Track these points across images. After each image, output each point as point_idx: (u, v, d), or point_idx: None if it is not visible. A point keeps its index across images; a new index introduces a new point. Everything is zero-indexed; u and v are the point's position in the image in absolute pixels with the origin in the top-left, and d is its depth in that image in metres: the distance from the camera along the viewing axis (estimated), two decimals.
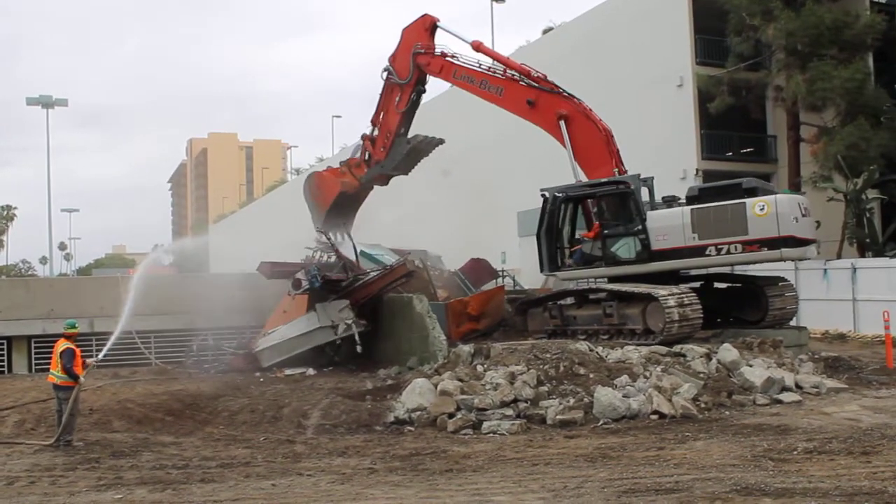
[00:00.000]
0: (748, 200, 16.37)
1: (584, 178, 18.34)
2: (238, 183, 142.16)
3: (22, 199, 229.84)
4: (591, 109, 18.63)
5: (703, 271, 18.54)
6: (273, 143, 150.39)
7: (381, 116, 21.65)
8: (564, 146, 18.52)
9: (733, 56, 30.68)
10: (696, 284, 18.20)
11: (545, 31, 48.41)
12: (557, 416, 12.27)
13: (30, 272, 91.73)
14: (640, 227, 17.20)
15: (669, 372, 13.83)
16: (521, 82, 19.34)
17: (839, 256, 26.26)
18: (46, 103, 58.79)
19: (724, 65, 31.07)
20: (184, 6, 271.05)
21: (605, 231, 17.81)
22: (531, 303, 19.32)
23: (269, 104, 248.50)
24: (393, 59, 21.33)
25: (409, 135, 21.53)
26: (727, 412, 12.69)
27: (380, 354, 18.65)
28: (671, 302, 15.83)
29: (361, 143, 22.57)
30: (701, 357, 14.57)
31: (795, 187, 27.72)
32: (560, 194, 18.19)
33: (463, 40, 20.39)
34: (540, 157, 23.94)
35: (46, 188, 61.56)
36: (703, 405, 12.83)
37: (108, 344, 15.30)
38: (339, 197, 21.99)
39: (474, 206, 25.09)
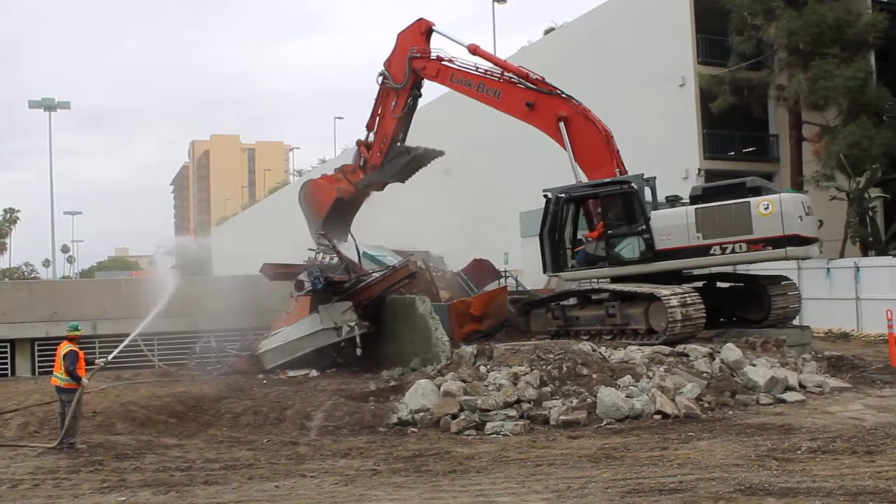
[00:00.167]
0: (752, 199, 16.36)
1: (584, 180, 18.33)
2: (240, 185, 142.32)
3: (25, 201, 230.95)
4: (589, 110, 18.61)
5: (706, 271, 18.52)
6: (275, 145, 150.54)
7: (376, 121, 21.59)
8: (564, 148, 18.52)
9: (735, 55, 30.66)
10: (699, 284, 18.19)
11: (547, 32, 48.44)
12: (561, 417, 12.26)
13: (33, 275, 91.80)
14: (643, 226, 17.18)
15: (672, 372, 13.81)
16: (519, 85, 19.32)
17: (842, 255, 26.22)
18: (49, 106, 58.83)
19: (725, 64, 31.06)
20: (183, 6, 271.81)
21: (609, 231, 17.79)
22: (534, 303, 19.31)
23: (269, 104, 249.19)
24: (388, 63, 21.28)
25: (409, 141, 21.49)
26: (730, 412, 12.66)
27: (383, 356, 18.65)
28: (674, 302, 15.82)
29: (356, 148, 22.55)
30: (704, 357, 14.56)
31: (798, 186, 27.72)
32: (563, 195, 18.17)
33: (459, 44, 20.39)
34: (542, 157, 23.93)
35: (49, 191, 61.82)
36: (706, 405, 12.81)
37: (122, 345, 15.31)
38: (335, 203, 21.95)
39: (477, 207, 25.09)
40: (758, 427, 11.41)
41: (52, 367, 12.27)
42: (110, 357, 14.29)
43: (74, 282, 54.32)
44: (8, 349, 20.86)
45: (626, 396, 12.72)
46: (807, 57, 28.06)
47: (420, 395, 13.37)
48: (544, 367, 13.65)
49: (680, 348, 15.04)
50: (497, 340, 18.19)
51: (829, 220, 25.27)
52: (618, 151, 18.32)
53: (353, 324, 18.32)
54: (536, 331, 18.75)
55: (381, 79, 21.37)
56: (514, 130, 24.89)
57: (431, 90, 21.86)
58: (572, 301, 18.39)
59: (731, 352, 14.61)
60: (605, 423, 12.14)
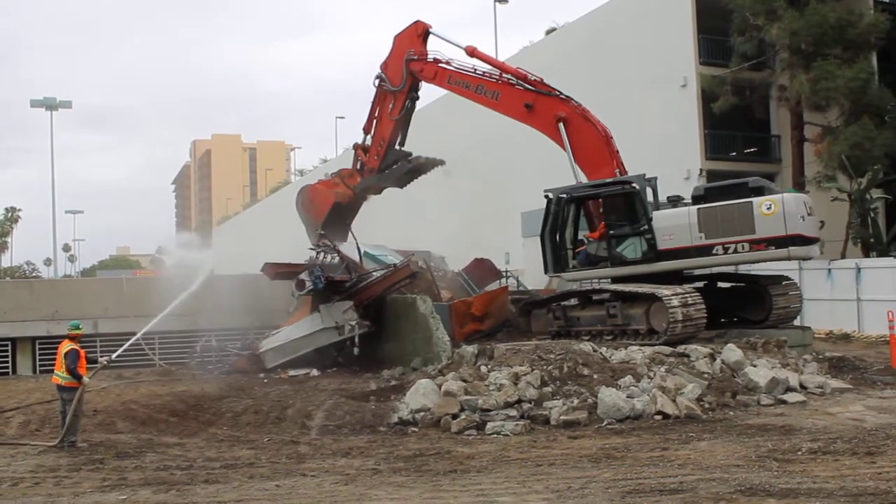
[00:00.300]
0: (755, 199, 16.35)
1: (584, 180, 18.31)
2: (242, 184, 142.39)
3: (26, 200, 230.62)
4: (588, 111, 18.58)
5: (707, 271, 18.51)
6: (276, 145, 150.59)
7: (373, 124, 21.50)
8: (564, 149, 18.49)
9: (737, 56, 30.68)
10: (700, 284, 18.18)
11: (548, 32, 48.43)
12: (561, 417, 12.26)
13: (34, 274, 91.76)
14: (646, 226, 17.16)
15: (673, 372, 13.81)
16: (517, 86, 19.26)
17: (843, 256, 26.22)
18: (50, 105, 58.87)
19: (727, 64, 31.08)
20: (184, 6, 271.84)
21: (611, 231, 17.78)
22: (535, 303, 19.30)
23: (270, 104, 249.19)
24: (385, 66, 21.16)
25: (408, 142, 21.39)
26: (731, 412, 12.66)
27: (383, 355, 18.64)
28: (675, 302, 15.80)
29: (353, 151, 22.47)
30: (705, 357, 14.55)
31: (799, 187, 27.68)
32: (564, 195, 18.15)
33: (456, 45, 20.30)
34: (543, 157, 23.93)
35: (51, 190, 61.44)
36: (706, 405, 12.81)
37: (127, 344, 15.32)
38: (333, 207, 21.90)
39: (478, 207, 25.11)
40: (758, 428, 11.40)
41: (54, 365, 12.27)
42: (114, 356, 14.29)
43: (76, 280, 54.35)
44: (9, 348, 20.87)
45: (627, 397, 12.72)
46: (809, 57, 28.07)
47: (421, 394, 13.38)
48: (545, 367, 13.65)
49: (681, 349, 15.03)
50: (498, 340, 18.18)
51: (830, 221, 25.27)
52: (617, 152, 18.30)
53: (354, 323, 18.33)
54: (537, 331, 18.74)
55: (377, 81, 21.22)
56: (516, 130, 24.86)
57: (431, 91, 21.82)
58: (573, 301, 18.38)
59: (732, 352, 14.60)
60: (605, 423, 12.13)
